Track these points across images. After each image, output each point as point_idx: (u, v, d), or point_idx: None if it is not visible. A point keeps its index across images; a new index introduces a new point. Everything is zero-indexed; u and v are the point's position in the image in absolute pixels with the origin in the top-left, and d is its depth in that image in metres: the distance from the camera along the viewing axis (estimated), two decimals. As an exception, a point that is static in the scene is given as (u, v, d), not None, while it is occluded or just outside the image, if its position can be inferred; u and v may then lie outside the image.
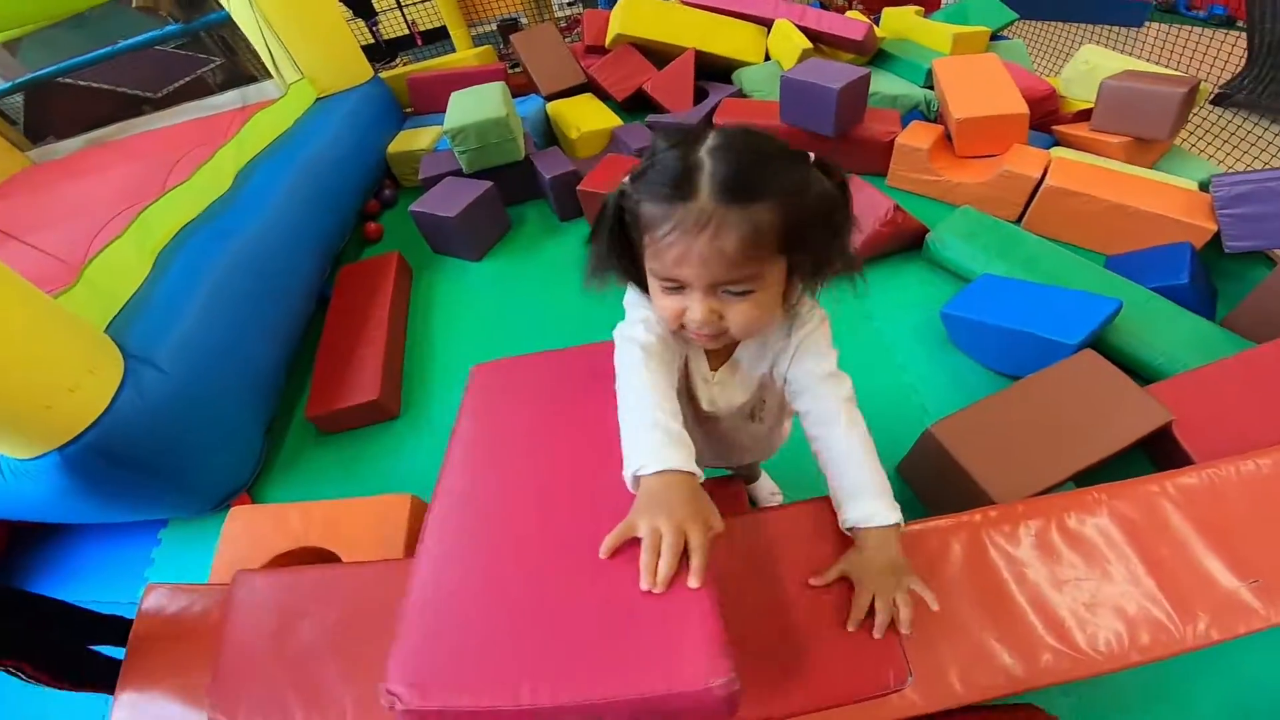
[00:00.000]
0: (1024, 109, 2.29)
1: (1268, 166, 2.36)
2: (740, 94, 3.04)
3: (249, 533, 1.48)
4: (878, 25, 3.14)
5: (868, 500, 0.73)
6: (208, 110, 2.91)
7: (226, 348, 1.79)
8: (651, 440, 0.64)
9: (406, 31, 4.66)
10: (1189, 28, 3.81)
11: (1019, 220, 2.33)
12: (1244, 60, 3.17)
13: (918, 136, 2.50)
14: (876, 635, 0.67)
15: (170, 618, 1.12)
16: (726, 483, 1.36)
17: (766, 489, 1.54)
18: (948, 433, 1.32)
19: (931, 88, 2.79)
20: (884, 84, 2.81)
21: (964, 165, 2.48)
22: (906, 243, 2.27)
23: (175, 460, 1.61)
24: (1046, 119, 2.62)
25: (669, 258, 0.64)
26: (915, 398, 1.79)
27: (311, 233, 2.39)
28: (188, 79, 3.18)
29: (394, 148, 3.07)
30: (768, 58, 3.08)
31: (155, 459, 1.56)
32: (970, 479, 1.24)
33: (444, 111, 3.09)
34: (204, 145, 2.36)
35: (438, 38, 4.67)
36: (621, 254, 0.73)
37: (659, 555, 0.56)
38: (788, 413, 1.03)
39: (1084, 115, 2.53)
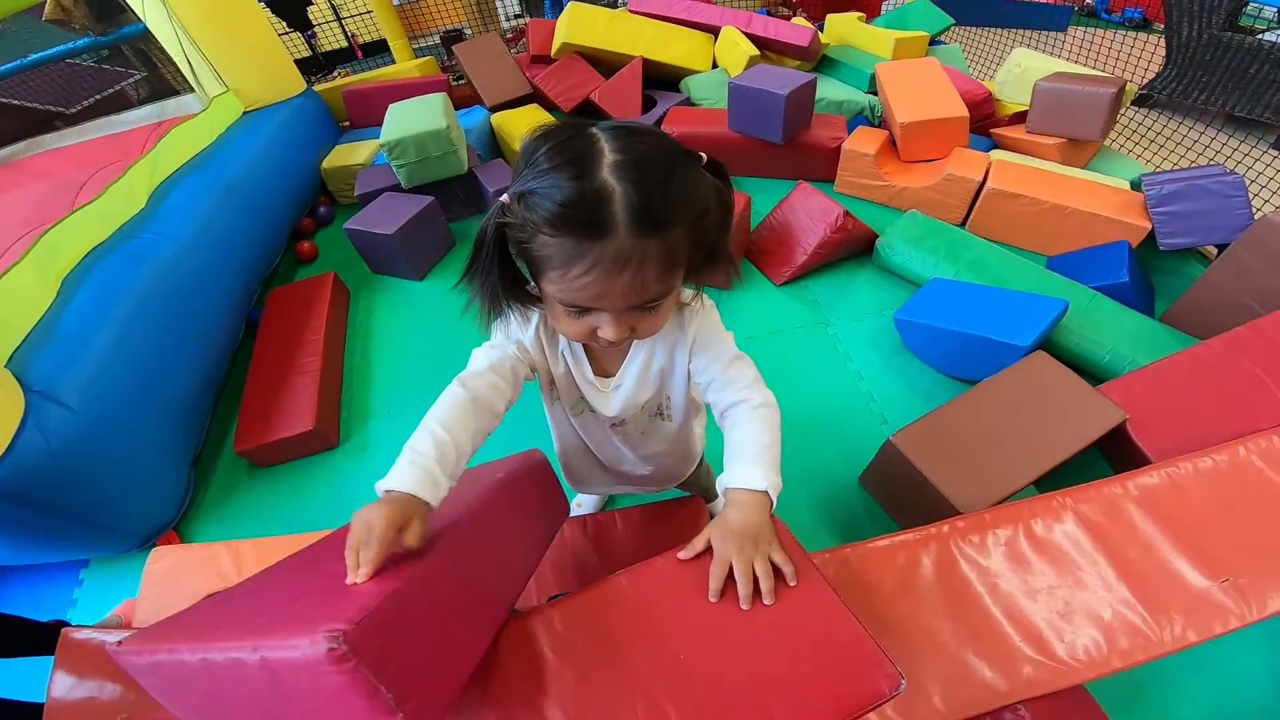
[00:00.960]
0: (964, 112, 2.34)
1: (1193, 164, 2.46)
2: (688, 102, 3.02)
3: (174, 575, 1.37)
4: (822, 32, 3.17)
5: (744, 465, 0.73)
6: (121, 126, 2.72)
7: (142, 380, 1.66)
8: (397, 465, 0.65)
9: (345, 44, 4.50)
10: (1109, 31, 4.00)
11: (963, 223, 2.37)
12: (1163, 61, 3.32)
13: (863, 142, 2.52)
14: (743, 606, 0.65)
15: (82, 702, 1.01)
16: (686, 503, 1.32)
17: None
18: (909, 442, 1.31)
19: (875, 93, 2.83)
20: (828, 90, 2.84)
21: (909, 170, 2.52)
22: (857, 249, 2.29)
23: (89, 501, 1.48)
24: (984, 122, 2.69)
25: (586, 294, 0.61)
26: (874, 406, 1.79)
27: (237, 253, 2.25)
28: (104, 93, 2.99)
29: (329, 163, 2.95)
30: (715, 66, 3.08)
31: (66, 500, 1.43)
32: (933, 488, 1.22)
33: (382, 125, 3.03)
34: (116, 163, 2.19)
35: (379, 50, 4.53)
36: (512, 280, 0.69)
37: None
38: (697, 409, 1.02)
39: (1019, 118, 2.60)
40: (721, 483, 0.74)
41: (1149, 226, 1.95)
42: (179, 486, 1.74)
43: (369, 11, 4.44)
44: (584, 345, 0.82)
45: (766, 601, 0.65)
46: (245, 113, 2.79)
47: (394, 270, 2.51)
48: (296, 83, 2.99)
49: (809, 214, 2.24)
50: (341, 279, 2.45)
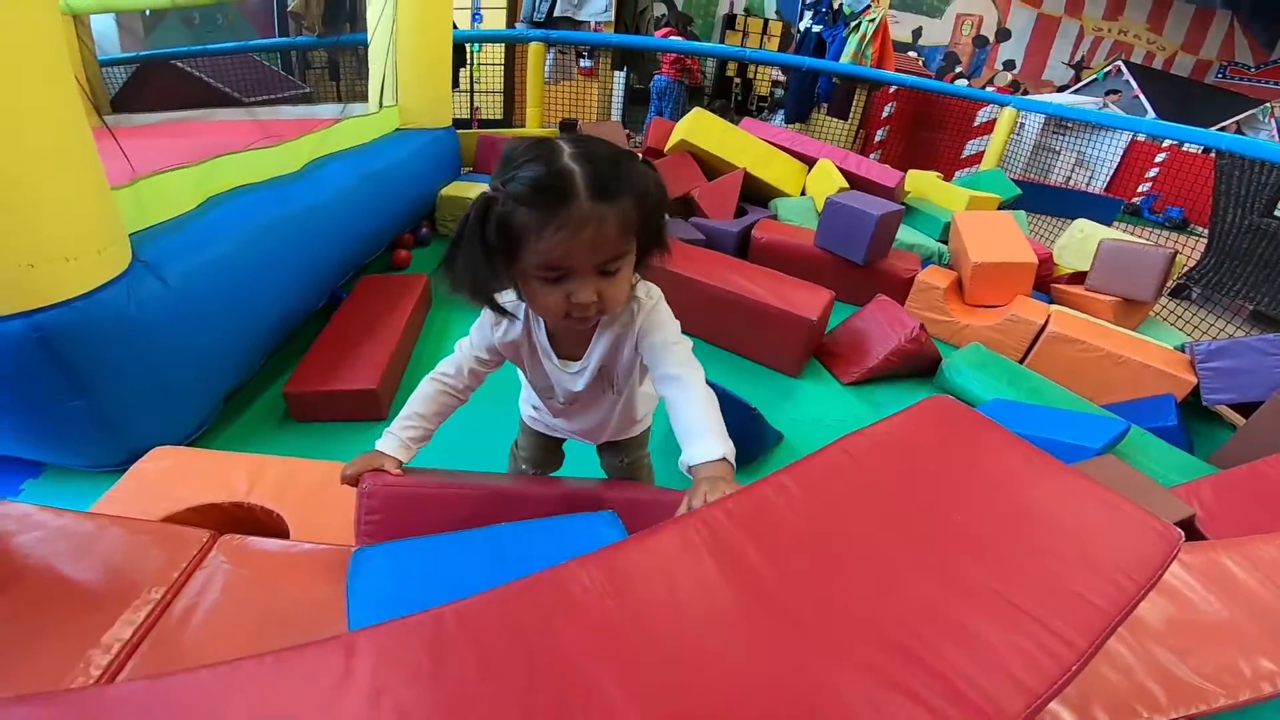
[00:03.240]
0: (1034, 259, 2.65)
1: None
2: (774, 218, 3.40)
3: (168, 477, 1.23)
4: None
5: (698, 440, 0.85)
6: (306, 115, 3.13)
7: (238, 293, 1.76)
8: (388, 434, 1.03)
9: (467, 115, 5.11)
10: (1149, 229, 4.43)
11: (1020, 363, 2.60)
12: (1202, 253, 3.69)
13: (935, 276, 2.80)
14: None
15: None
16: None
17: None
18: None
19: (945, 242, 3.18)
20: (904, 233, 3.20)
21: (972, 310, 2.77)
22: (921, 368, 2.46)
23: (120, 381, 1.45)
24: (1043, 280, 3.01)
25: (559, 252, 0.76)
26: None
27: (355, 226, 2.51)
28: (274, 96, 3.47)
29: (447, 191, 3.29)
30: (803, 193, 3.49)
31: (102, 373, 1.40)
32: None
33: (501, 174, 3.45)
34: (293, 134, 2.47)
35: (493, 127, 5.15)
36: (491, 258, 0.80)
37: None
38: (644, 375, 1.12)
39: (1076, 279, 2.91)
40: (682, 462, 0.86)
41: (1194, 382, 2.17)
42: (200, 412, 1.73)
43: (497, 91, 5.14)
44: (548, 337, 0.99)
45: None
46: (398, 128, 3.19)
47: (484, 291, 2.73)
48: (446, 117, 3.42)
49: (887, 322, 2.48)
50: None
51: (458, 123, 3.55)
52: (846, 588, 0.62)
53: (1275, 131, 8.23)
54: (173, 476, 1.23)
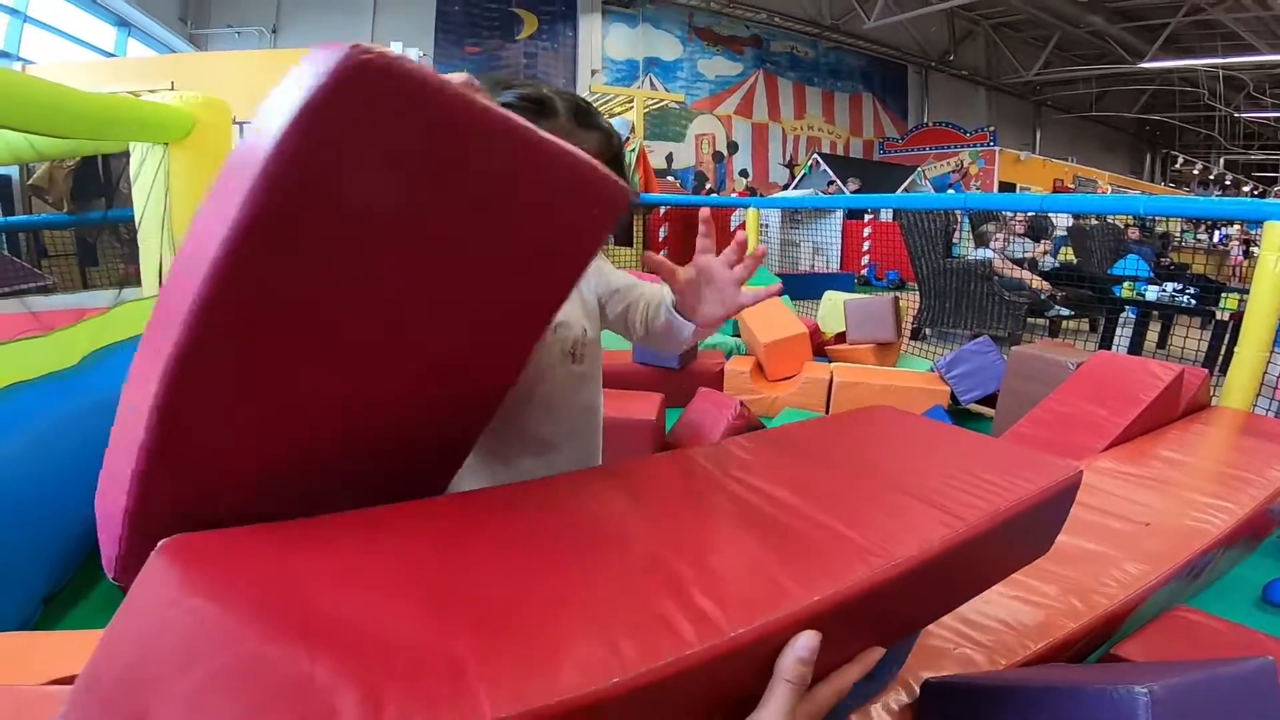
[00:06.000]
0: (805, 330, 3.24)
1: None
2: (593, 344, 3.71)
3: (14, 660, 1.01)
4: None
5: None
6: (73, 305, 2.77)
7: (34, 494, 1.60)
8: None
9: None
10: (879, 292, 5.48)
11: (827, 414, 3.09)
12: (919, 301, 4.67)
13: (740, 364, 3.27)
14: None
15: None
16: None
17: None
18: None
19: (739, 335, 3.71)
20: (701, 332, 3.69)
21: (775, 385, 3.24)
22: None
23: None
24: (818, 346, 3.63)
25: None
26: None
27: None
28: (13, 289, 3.04)
29: None
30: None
31: None
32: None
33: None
34: (62, 324, 2.19)
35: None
36: None
37: None
38: (600, 364, 1.03)
39: (839, 338, 3.57)
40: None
41: (949, 389, 2.76)
42: (19, 611, 1.55)
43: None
44: None
45: None
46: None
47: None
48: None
49: (714, 409, 2.81)
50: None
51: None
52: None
53: (931, 188, 10.75)
54: (19, 659, 1.01)
